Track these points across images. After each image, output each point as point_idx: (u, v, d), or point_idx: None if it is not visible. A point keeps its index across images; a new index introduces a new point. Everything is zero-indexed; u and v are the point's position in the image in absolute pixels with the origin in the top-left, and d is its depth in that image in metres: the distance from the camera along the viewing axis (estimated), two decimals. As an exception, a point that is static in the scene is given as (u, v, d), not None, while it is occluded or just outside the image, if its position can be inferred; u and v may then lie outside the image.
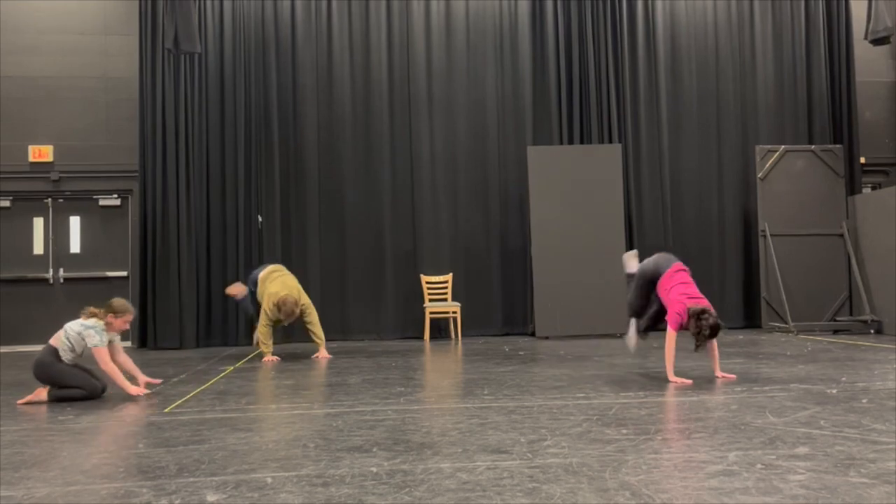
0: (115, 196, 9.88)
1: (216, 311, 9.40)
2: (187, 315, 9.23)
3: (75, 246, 9.83)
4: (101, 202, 9.87)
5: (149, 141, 9.40)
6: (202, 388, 5.68)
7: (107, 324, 5.27)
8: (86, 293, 9.68)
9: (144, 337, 9.30)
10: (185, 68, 9.47)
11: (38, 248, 9.76)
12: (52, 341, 5.29)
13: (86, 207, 9.87)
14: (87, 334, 5.20)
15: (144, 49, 9.49)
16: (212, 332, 9.41)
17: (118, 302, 5.42)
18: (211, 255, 9.45)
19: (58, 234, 9.81)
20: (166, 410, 4.71)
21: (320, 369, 6.71)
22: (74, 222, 9.86)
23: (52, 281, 9.71)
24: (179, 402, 5.04)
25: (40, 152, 9.64)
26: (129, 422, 4.40)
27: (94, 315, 5.29)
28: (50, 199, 9.81)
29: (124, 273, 9.77)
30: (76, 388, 5.18)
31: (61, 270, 9.72)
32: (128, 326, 5.48)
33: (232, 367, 6.96)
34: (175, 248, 9.30)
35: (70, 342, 5.23)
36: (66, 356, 5.22)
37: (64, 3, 9.76)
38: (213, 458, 3.40)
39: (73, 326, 5.27)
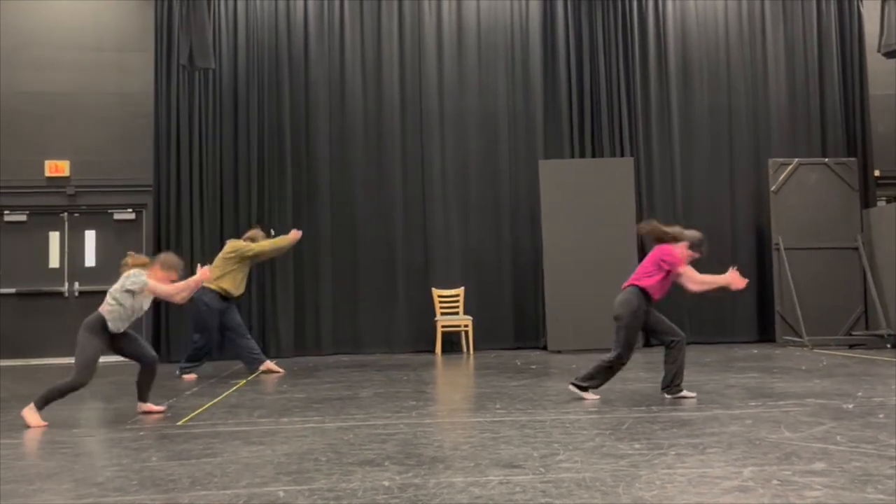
0: (130, 210, 9.97)
1: (229, 324, 9.42)
2: (200, 328, 9.25)
3: (90, 260, 9.92)
4: (116, 216, 9.96)
5: (163, 155, 9.50)
6: (214, 401, 5.70)
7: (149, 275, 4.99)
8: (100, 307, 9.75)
9: (157, 350, 9.29)
10: (199, 84, 9.58)
11: (54, 262, 9.84)
12: (100, 308, 5.01)
13: (101, 221, 9.96)
14: (129, 282, 4.91)
15: (160, 65, 9.60)
16: (225, 346, 9.42)
17: (167, 255, 5.27)
18: (224, 269, 9.48)
19: (73, 248, 9.90)
20: (179, 423, 4.72)
21: (333, 383, 6.70)
22: (90, 236, 9.95)
23: (66, 294, 9.78)
24: (192, 415, 5.06)
25: (57, 167, 9.75)
26: (142, 435, 4.42)
27: (136, 265, 5.05)
28: (66, 214, 9.91)
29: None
30: (78, 365, 4.88)
31: (76, 284, 9.79)
32: (173, 277, 5.18)
33: (244, 381, 6.97)
34: (188, 261, 9.31)
35: (117, 300, 4.93)
36: (115, 324, 4.95)
37: (80, 19, 9.91)
38: (226, 471, 3.41)
39: (115, 286, 5.01)
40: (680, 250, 5.33)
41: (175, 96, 9.54)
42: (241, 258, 7.63)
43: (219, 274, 7.46)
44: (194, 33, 8.32)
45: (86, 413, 5.46)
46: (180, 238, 9.38)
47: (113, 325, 4.99)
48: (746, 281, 5.46)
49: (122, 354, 5.22)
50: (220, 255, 7.74)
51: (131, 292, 4.98)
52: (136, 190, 9.81)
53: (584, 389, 5.30)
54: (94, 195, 9.81)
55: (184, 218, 9.42)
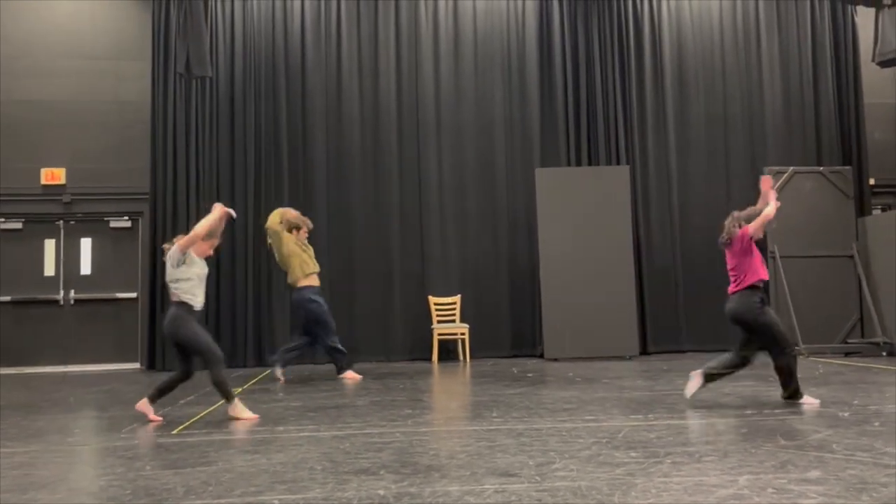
0: (126, 218, 9.96)
1: (225, 332, 9.40)
2: (196, 336, 9.24)
3: (86, 267, 9.90)
4: (112, 224, 9.95)
5: (160, 163, 9.50)
6: (210, 409, 5.68)
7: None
8: (96, 314, 9.74)
9: (153, 358, 9.32)
10: (196, 92, 9.59)
11: (50, 270, 9.82)
12: (172, 300, 5.19)
13: (97, 229, 9.95)
14: (170, 261, 5.11)
15: (157, 73, 9.61)
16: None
17: (197, 227, 5.34)
18: (220, 277, 9.48)
19: (69, 256, 9.88)
20: (174, 432, 4.71)
21: (329, 391, 6.69)
22: (85, 244, 9.94)
23: (62, 302, 9.76)
24: (187, 423, 5.04)
25: (53, 175, 9.74)
26: (136, 444, 4.40)
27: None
28: (61, 221, 9.90)
29: (134, 294, 9.81)
30: (204, 351, 5.07)
31: (72, 292, 9.77)
32: (211, 252, 5.37)
33: (240, 389, 6.95)
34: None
35: (177, 280, 5.10)
36: (195, 299, 5.11)
37: (78, 27, 9.92)
38: (221, 480, 3.39)
39: (167, 276, 5.22)
40: (743, 232, 5.30)
41: (172, 104, 9.55)
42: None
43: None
44: (191, 41, 8.34)
45: (80, 422, 5.44)
46: (176, 246, 9.35)
47: (194, 301, 5.14)
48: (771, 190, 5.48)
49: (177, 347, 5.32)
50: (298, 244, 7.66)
51: (177, 263, 5.11)
52: (133, 198, 9.81)
53: (798, 396, 5.20)
54: (90, 203, 9.80)
55: (180, 226, 9.38)
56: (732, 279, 5.35)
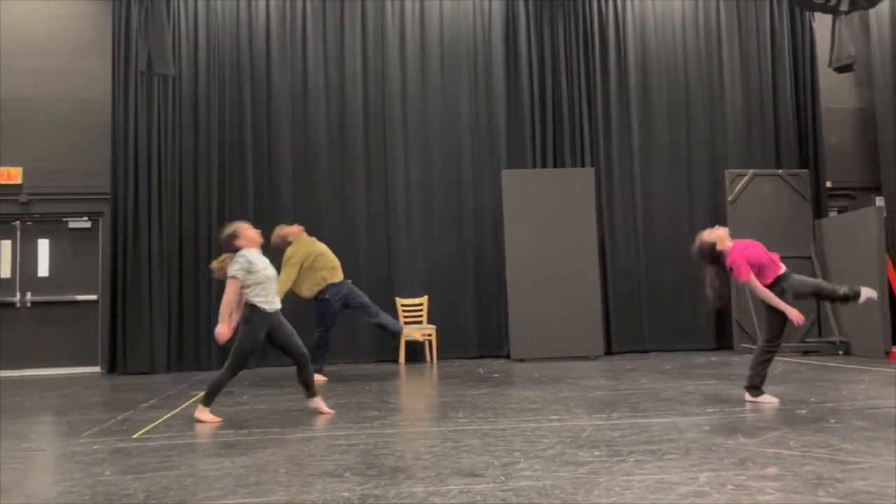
0: (86, 219, 9.75)
1: (188, 335, 9.27)
2: (158, 339, 9.10)
3: (44, 269, 9.67)
4: (71, 224, 9.74)
5: (121, 163, 9.32)
6: (172, 413, 5.59)
7: (240, 246, 5.18)
8: (54, 317, 9.52)
9: (114, 361, 9.14)
10: (158, 91, 9.44)
11: (6, 272, 9.57)
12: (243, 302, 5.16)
13: (55, 230, 9.73)
14: (233, 270, 5.08)
15: (117, 71, 9.43)
16: (184, 357, 9.28)
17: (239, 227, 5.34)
18: (183, 278, 9.34)
19: (25, 258, 9.64)
20: (134, 436, 4.63)
21: (294, 394, 6.63)
22: (43, 245, 9.71)
23: (19, 305, 9.52)
24: (149, 427, 4.96)
25: (9, 174, 9.50)
26: (95, 448, 4.31)
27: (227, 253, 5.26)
28: (18, 222, 9.66)
29: (94, 297, 9.62)
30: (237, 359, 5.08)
31: (28, 294, 9.53)
32: (253, 233, 5.32)
33: (203, 392, 6.85)
34: (146, 271, 9.19)
35: (245, 285, 5.08)
36: (265, 300, 5.10)
37: (36, 24, 9.69)
38: (182, 484, 3.34)
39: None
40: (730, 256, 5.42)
41: (133, 103, 9.38)
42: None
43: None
44: (153, 39, 8.20)
45: (37, 427, 5.32)
46: (138, 247, 9.20)
47: (267, 306, 5.11)
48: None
49: (273, 345, 5.32)
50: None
51: (241, 272, 5.06)
52: (93, 198, 9.61)
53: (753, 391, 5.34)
54: (47, 203, 9.58)
55: (142, 227, 9.25)
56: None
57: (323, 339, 7.71)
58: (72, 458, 4.07)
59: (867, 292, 5.33)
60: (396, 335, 8.15)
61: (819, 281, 5.91)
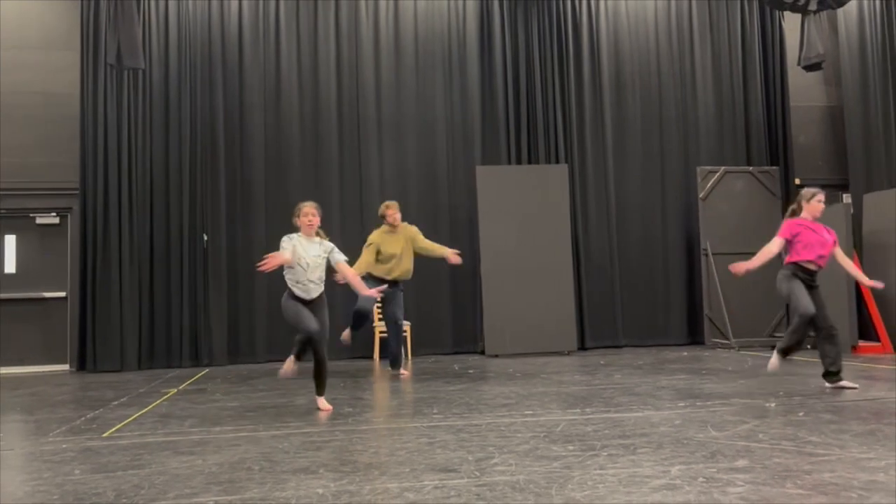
0: (54, 214, 9.58)
1: (159, 332, 9.16)
2: (129, 336, 8.98)
3: (10, 266, 9.48)
4: (39, 220, 9.56)
5: (90, 158, 9.17)
6: (143, 411, 5.53)
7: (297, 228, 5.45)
8: (22, 315, 9.35)
9: (84, 359, 9.00)
10: (128, 84, 9.29)
11: (-29, 268, 9.38)
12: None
13: (22, 226, 9.55)
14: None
15: (86, 64, 9.27)
16: (155, 354, 9.17)
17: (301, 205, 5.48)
18: (154, 275, 9.22)
19: (-8, 254, 9.46)
20: (105, 435, 4.56)
21: (267, 391, 6.59)
22: (10, 241, 9.53)
23: (-15, 302, 9.34)
24: (119, 426, 4.89)
25: (-26, 169, 9.30)
26: (64, 447, 4.25)
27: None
28: (-16, 218, 9.48)
29: (63, 294, 9.46)
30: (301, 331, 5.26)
31: (-5, 291, 9.36)
32: (308, 220, 5.56)
33: (175, 390, 6.78)
34: (116, 267, 9.06)
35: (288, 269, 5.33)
36: (297, 289, 5.43)
37: (3, 17, 9.49)
38: (154, 482, 3.31)
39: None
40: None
41: (102, 96, 9.23)
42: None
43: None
44: (122, 32, 8.07)
45: (5, 426, 5.22)
46: (108, 243, 9.07)
47: (298, 291, 5.45)
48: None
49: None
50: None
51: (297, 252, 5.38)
52: (61, 193, 9.45)
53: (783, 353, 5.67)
54: (14, 198, 9.40)
55: (111, 222, 9.11)
56: None
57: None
58: (40, 457, 4.01)
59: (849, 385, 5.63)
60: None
61: (799, 315, 5.61)
